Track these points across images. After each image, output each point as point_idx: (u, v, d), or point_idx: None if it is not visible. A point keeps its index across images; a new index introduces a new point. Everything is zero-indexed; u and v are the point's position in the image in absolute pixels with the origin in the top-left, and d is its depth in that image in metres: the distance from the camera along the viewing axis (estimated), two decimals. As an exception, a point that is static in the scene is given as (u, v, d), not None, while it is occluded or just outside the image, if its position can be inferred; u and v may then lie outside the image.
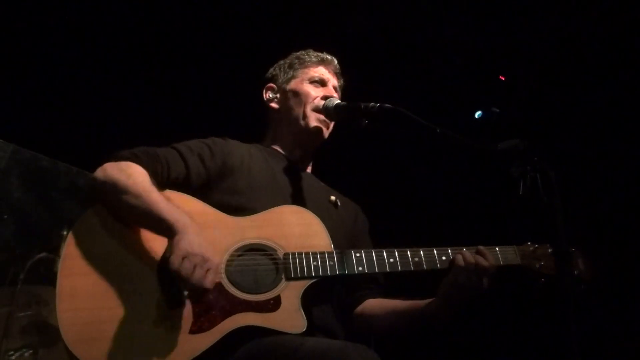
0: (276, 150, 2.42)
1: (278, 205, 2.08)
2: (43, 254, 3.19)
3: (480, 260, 2.06)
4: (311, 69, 2.46)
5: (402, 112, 1.97)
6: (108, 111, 3.92)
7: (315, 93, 2.39)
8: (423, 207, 4.48)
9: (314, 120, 2.35)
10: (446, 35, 4.18)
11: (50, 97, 3.75)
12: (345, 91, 2.57)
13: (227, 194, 2.10)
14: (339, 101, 2.33)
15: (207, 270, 1.77)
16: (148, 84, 3.95)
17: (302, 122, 2.36)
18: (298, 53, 2.53)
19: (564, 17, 3.93)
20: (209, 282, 1.76)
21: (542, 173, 1.76)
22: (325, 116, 2.34)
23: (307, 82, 2.42)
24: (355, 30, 4.07)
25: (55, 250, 3.24)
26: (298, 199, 2.17)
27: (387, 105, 2.01)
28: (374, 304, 2.30)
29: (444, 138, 1.95)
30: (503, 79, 4.40)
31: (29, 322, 3.25)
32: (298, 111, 2.37)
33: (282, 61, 2.54)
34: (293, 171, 2.32)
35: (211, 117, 4.03)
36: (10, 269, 3.20)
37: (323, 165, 2.54)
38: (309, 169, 2.48)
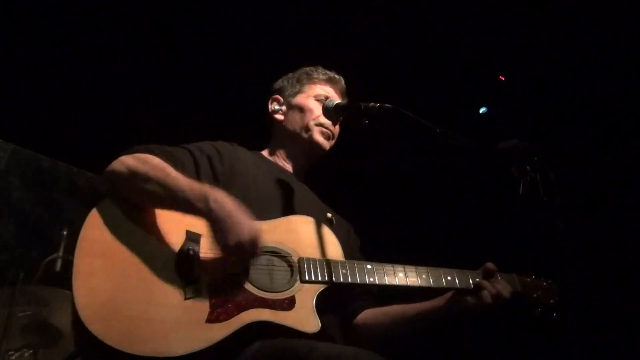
0: (276, 160, 2.45)
1: (277, 217, 2.10)
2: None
3: (503, 291, 2.07)
4: (318, 86, 2.49)
5: (402, 112, 1.97)
6: (108, 112, 3.92)
7: (318, 111, 2.40)
8: (422, 207, 4.48)
9: (317, 133, 2.39)
10: (446, 35, 4.18)
11: (50, 97, 3.76)
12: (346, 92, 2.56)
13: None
14: (339, 101, 2.34)
15: (255, 239, 1.83)
16: (149, 84, 3.95)
17: (304, 135, 2.39)
18: (307, 69, 2.55)
19: (564, 17, 3.94)
20: (259, 251, 1.85)
21: (542, 173, 1.76)
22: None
23: (313, 98, 2.45)
24: (356, 30, 4.07)
25: (55, 250, 3.24)
26: (298, 213, 2.18)
27: (387, 105, 2.01)
28: (376, 313, 2.27)
29: (444, 138, 1.95)
30: (503, 79, 4.40)
31: (29, 322, 3.25)
32: (302, 124, 2.40)
33: (290, 74, 2.57)
34: (292, 184, 2.33)
35: (211, 117, 4.03)
36: (10, 269, 3.20)
37: (314, 178, 2.55)
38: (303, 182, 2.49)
